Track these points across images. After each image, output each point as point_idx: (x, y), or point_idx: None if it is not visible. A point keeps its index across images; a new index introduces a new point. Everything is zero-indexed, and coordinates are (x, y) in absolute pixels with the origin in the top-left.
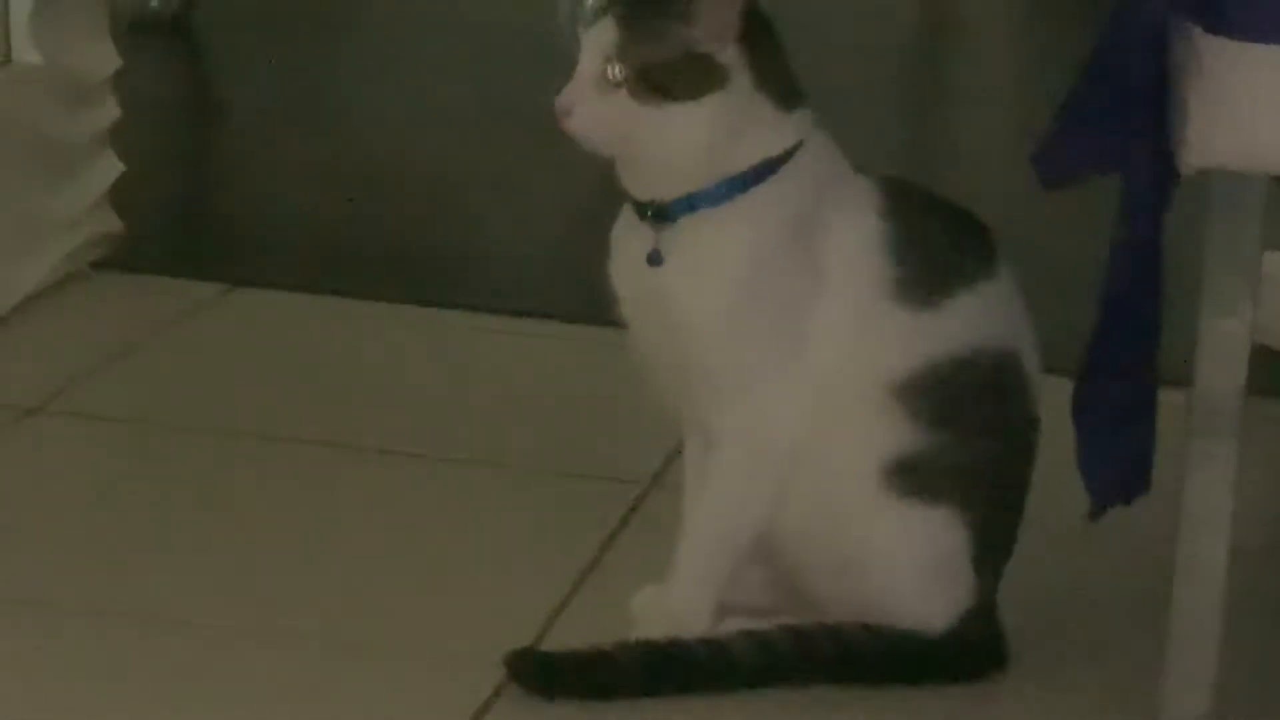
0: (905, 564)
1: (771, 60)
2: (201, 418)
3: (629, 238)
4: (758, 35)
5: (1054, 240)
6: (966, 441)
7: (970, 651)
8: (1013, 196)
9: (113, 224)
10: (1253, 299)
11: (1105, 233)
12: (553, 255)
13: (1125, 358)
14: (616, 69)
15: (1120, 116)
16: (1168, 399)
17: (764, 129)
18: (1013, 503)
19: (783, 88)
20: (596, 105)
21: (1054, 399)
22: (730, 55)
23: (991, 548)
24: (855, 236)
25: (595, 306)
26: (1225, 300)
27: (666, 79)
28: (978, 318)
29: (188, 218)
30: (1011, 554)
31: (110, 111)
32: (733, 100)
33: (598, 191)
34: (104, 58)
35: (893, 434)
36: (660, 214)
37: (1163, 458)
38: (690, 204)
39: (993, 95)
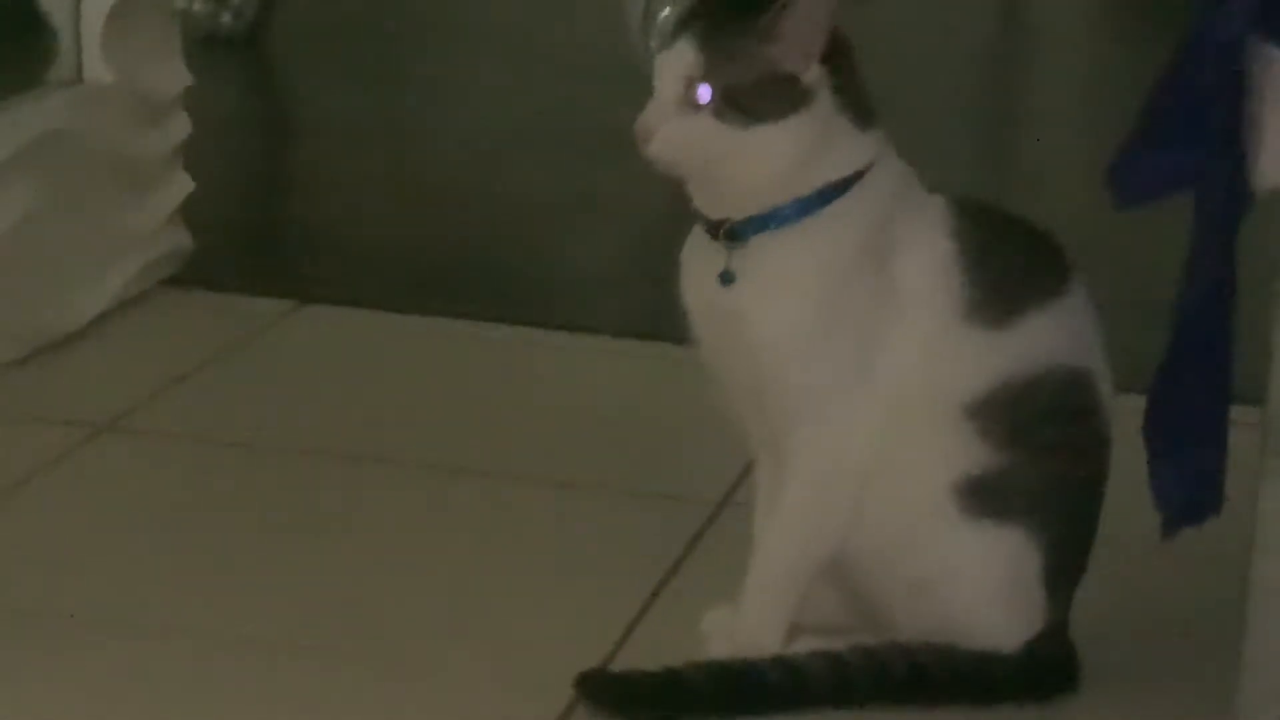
0: (977, 584)
1: (851, 80)
2: (271, 436)
3: (700, 257)
4: (838, 55)
5: (1128, 259)
6: (1039, 461)
7: (1043, 671)
8: (1087, 214)
9: (183, 241)
10: None
11: (1179, 251)
12: (624, 272)
13: (1197, 376)
14: (700, 90)
15: (1195, 135)
16: (1241, 416)
17: (842, 149)
18: (1085, 522)
19: (860, 107)
20: (679, 127)
21: (1127, 418)
22: (814, 76)
23: (1064, 567)
24: (928, 256)
25: (668, 324)
26: None
27: (751, 100)
28: (1050, 337)
29: (258, 234)
30: (1084, 573)
31: (181, 128)
32: (816, 120)
33: (669, 209)
34: (175, 75)
35: (965, 454)
36: (732, 233)
37: (1236, 476)
38: (763, 223)
39: (1066, 113)
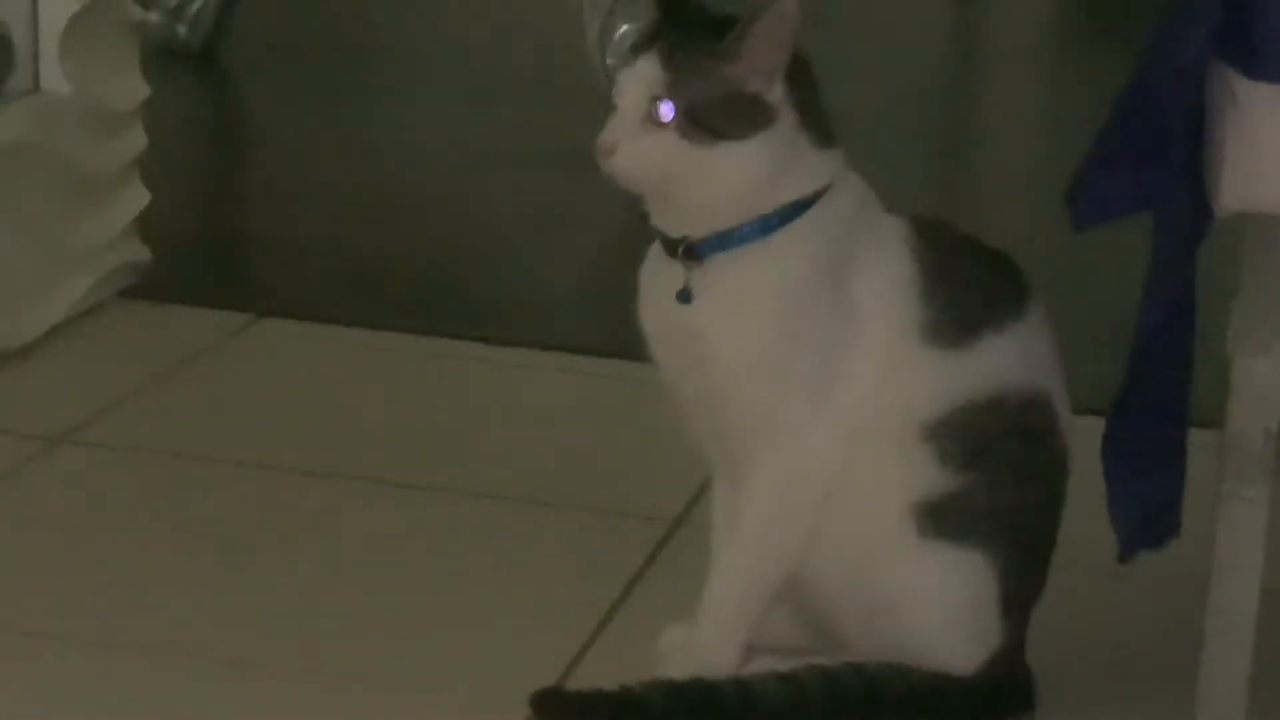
0: (934, 605)
1: (811, 99)
2: (227, 449)
3: (658, 275)
4: (799, 74)
5: (1086, 280)
6: (996, 483)
7: (999, 693)
8: (1045, 235)
9: (140, 253)
10: None
11: (1138, 272)
12: (581, 290)
13: (1156, 399)
14: (663, 108)
15: (1155, 157)
16: (1199, 440)
17: (803, 168)
18: (1042, 544)
19: (821, 127)
20: (641, 144)
21: (1085, 439)
22: (777, 94)
23: (1021, 589)
24: (886, 276)
25: (624, 342)
26: (1258, 342)
27: (714, 118)
28: (1008, 359)
29: (215, 247)
30: (1041, 595)
31: (138, 140)
32: (778, 139)
33: (628, 226)
34: (132, 87)
35: (922, 475)
36: (691, 252)
37: (1194, 499)
38: (722, 242)
39: (1022, 133)
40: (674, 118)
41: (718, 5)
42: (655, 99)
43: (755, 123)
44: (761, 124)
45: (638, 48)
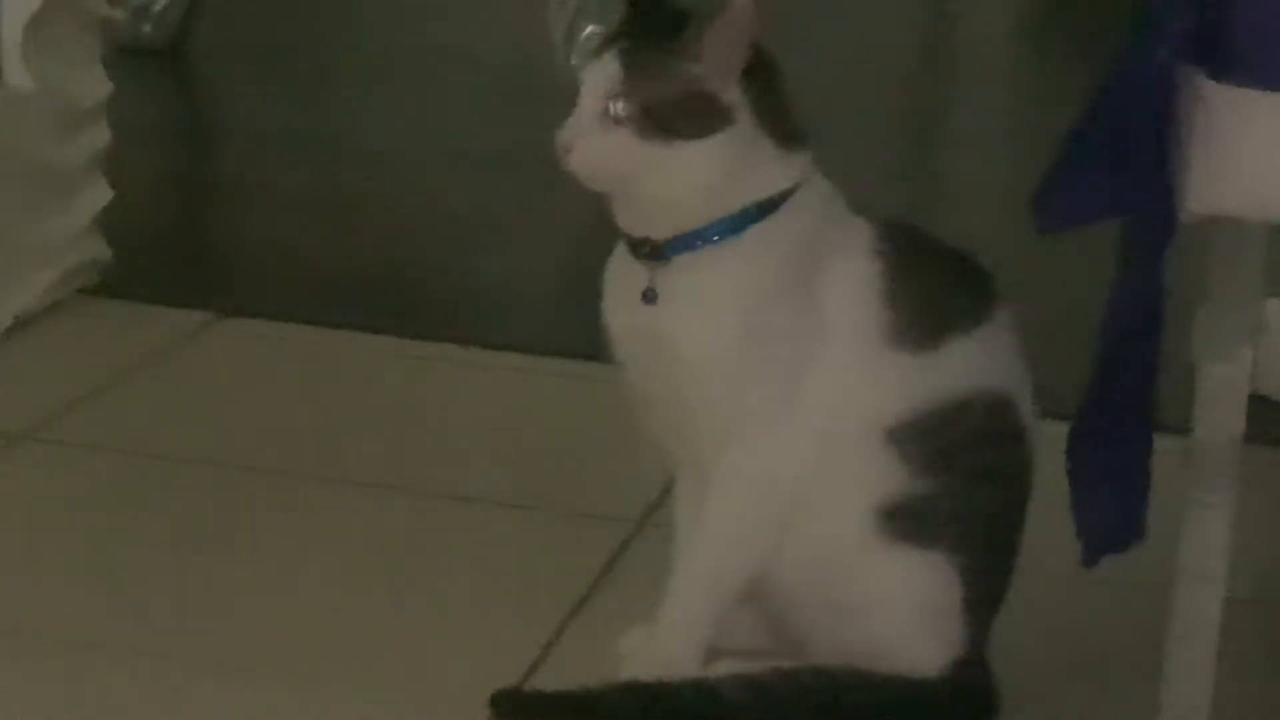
0: (897, 608)
1: (775, 100)
2: (188, 448)
3: (623, 275)
4: (762, 75)
5: (1053, 284)
6: (961, 486)
7: (962, 697)
8: (1012, 239)
9: (102, 250)
10: (1252, 346)
11: (1105, 277)
12: (546, 290)
13: (1122, 403)
14: (620, 106)
15: (1122, 161)
16: (1165, 446)
17: (765, 169)
18: (1006, 548)
19: (785, 128)
20: (599, 142)
21: (1050, 444)
22: (734, 94)
23: (985, 593)
24: (851, 279)
25: (588, 343)
26: (1224, 347)
27: (671, 117)
28: (974, 362)
29: (177, 245)
30: (1004, 600)
31: (101, 137)
32: (736, 140)
33: (594, 227)
34: (96, 83)
35: (886, 478)
36: (656, 252)
37: (1159, 505)
38: (687, 242)
39: (991, 136)
40: (630, 116)
41: (688, 4)
42: (613, 97)
43: (712, 123)
44: (718, 124)
45: (602, 46)
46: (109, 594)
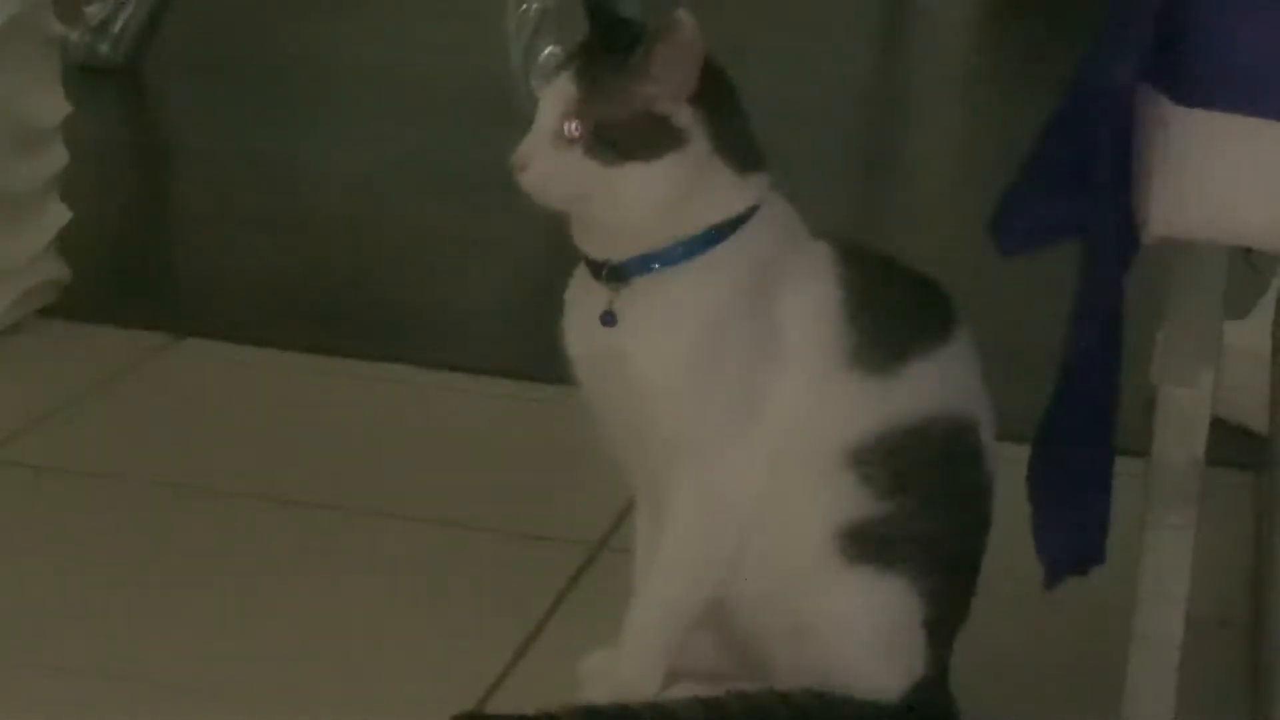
0: (858, 631)
1: (730, 123)
2: (146, 469)
3: (583, 297)
4: (717, 98)
5: (1013, 306)
6: (921, 508)
7: (922, 719)
8: (971, 261)
9: (60, 271)
10: (1213, 369)
11: (1065, 299)
12: (505, 312)
13: (1082, 426)
14: (573, 125)
15: (1081, 183)
16: (1126, 467)
17: (720, 192)
18: (966, 570)
19: (741, 151)
20: (552, 161)
21: (1011, 466)
22: (686, 116)
23: (945, 615)
24: (811, 301)
25: (547, 364)
26: (1184, 370)
27: (622, 137)
28: (933, 385)
29: (135, 266)
30: (965, 622)
31: (59, 158)
32: (688, 162)
33: (551, 249)
34: (53, 104)
35: (846, 500)
36: (615, 274)
37: (1119, 526)
38: (645, 264)
39: (950, 158)
40: (583, 136)
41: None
42: (568, 116)
43: (663, 144)
44: (670, 146)
45: (560, 65)
46: (61, 616)
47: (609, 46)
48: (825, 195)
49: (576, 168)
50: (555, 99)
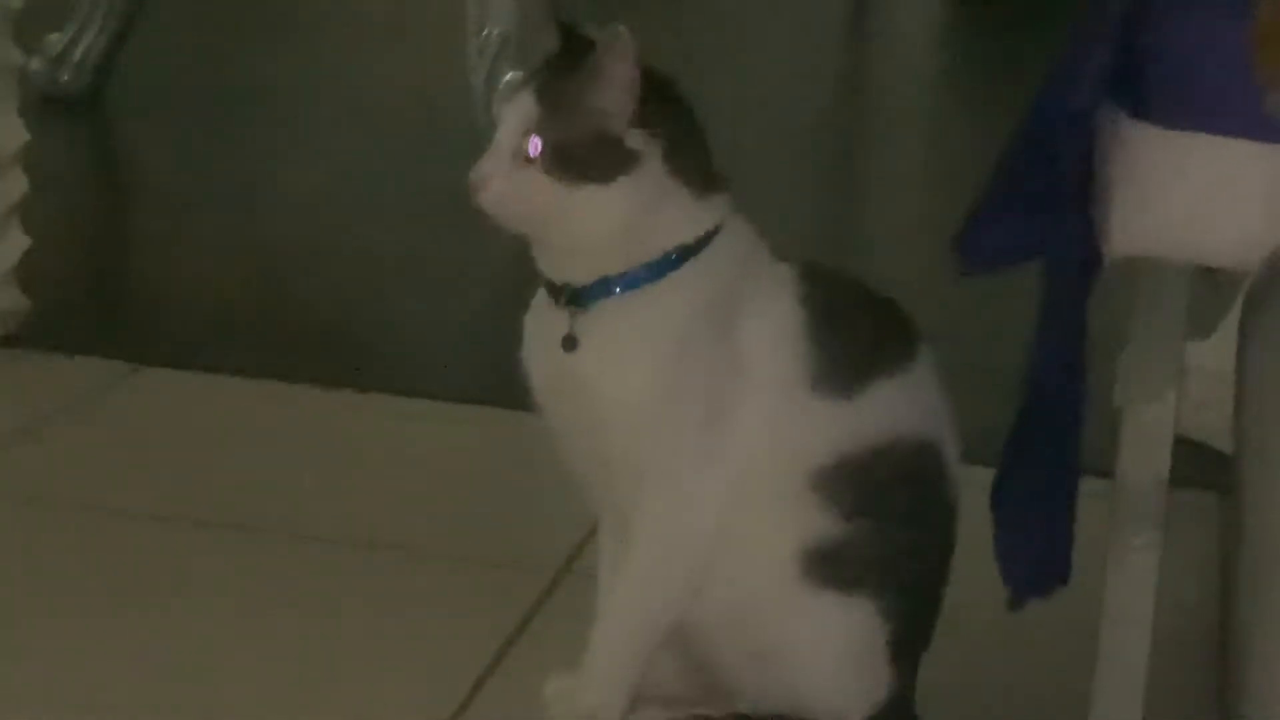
0: (821, 654)
1: (686, 146)
2: (107, 498)
3: (543, 322)
4: (672, 121)
5: (976, 328)
6: (884, 531)
7: None
8: (934, 283)
9: (18, 301)
10: (1176, 388)
11: (1028, 319)
12: (465, 338)
13: (1046, 447)
14: (532, 144)
15: (1044, 202)
16: (1090, 488)
17: (679, 214)
18: (931, 593)
19: (699, 173)
20: (511, 180)
21: (974, 488)
22: (638, 140)
23: (909, 638)
24: (773, 323)
25: (507, 390)
26: (1148, 389)
27: (578, 158)
28: (896, 407)
29: (95, 295)
30: (929, 645)
31: (18, 186)
32: (644, 184)
33: (512, 274)
34: (12, 132)
35: (810, 523)
36: (575, 298)
37: (1084, 547)
38: (605, 288)
39: (912, 179)
40: (541, 154)
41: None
42: (527, 134)
43: (617, 166)
44: (623, 168)
45: (522, 82)
46: (18, 646)
47: (571, 64)
48: (788, 215)
49: (535, 187)
50: (516, 117)
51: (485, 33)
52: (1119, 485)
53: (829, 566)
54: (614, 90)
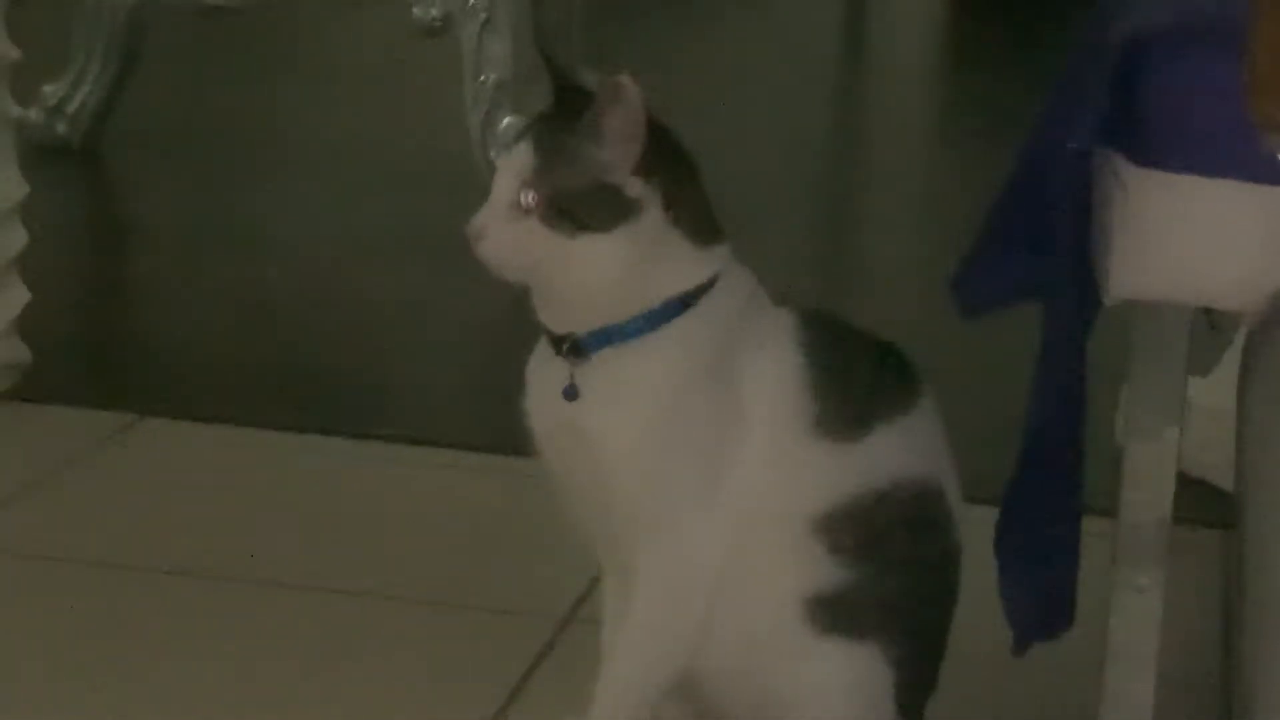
0: (828, 701)
1: (685, 195)
2: (110, 552)
3: (545, 371)
4: (672, 170)
5: (976, 370)
6: (888, 576)
7: None
8: (934, 326)
9: (20, 353)
10: (1178, 427)
11: (1028, 361)
12: (468, 386)
13: (1048, 488)
14: (529, 195)
15: (1043, 244)
16: (1093, 528)
17: (678, 263)
18: (935, 637)
19: (699, 222)
20: (509, 231)
21: (978, 530)
22: (638, 188)
23: (914, 682)
24: (774, 370)
25: (510, 438)
26: (1150, 428)
27: (577, 208)
28: (898, 451)
29: (96, 347)
30: (935, 688)
31: (18, 239)
32: (643, 234)
33: (512, 322)
34: (11, 184)
35: (813, 569)
36: (576, 348)
37: (1087, 587)
38: (606, 338)
39: (912, 223)
40: (538, 205)
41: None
42: (524, 185)
43: (617, 216)
44: (623, 217)
45: (520, 133)
46: (24, 699)
47: (567, 115)
48: (787, 257)
49: (533, 238)
50: (513, 168)
51: (481, 79)
52: (1121, 524)
53: (833, 613)
54: (615, 139)
